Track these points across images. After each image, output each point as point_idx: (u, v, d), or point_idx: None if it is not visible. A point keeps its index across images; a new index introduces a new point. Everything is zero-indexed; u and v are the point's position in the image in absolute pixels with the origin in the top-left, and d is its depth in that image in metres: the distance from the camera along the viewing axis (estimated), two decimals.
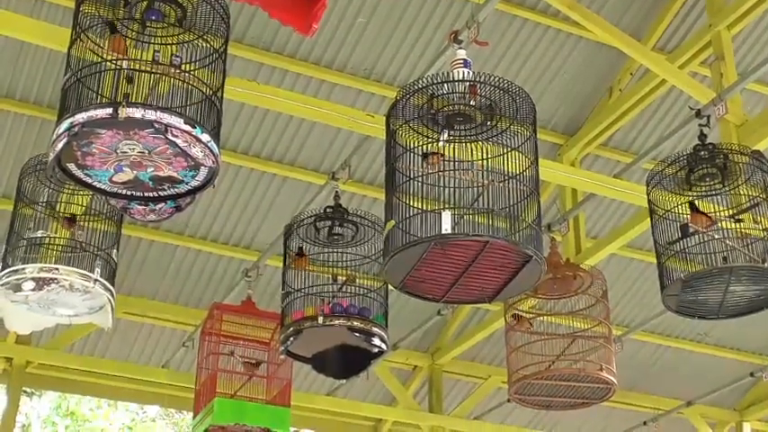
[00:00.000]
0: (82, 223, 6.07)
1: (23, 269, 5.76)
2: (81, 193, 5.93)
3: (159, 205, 5.18)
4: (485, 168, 4.61)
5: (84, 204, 6.09)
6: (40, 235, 6.04)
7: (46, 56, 7.90)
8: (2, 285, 5.79)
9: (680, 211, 5.63)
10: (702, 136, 5.73)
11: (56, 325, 6.51)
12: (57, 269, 5.76)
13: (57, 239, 6.07)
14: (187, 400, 8.28)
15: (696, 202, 5.61)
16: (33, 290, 5.77)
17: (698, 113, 6.07)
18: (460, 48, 5.06)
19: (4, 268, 5.83)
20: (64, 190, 6.00)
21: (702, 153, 5.60)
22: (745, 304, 5.66)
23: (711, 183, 5.64)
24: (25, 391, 16.03)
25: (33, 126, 8.41)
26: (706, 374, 11.18)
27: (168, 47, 4.57)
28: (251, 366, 7.29)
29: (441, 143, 4.62)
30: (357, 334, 6.12)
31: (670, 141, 7.21)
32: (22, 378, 9.87)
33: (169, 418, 19.00)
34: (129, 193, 4.68)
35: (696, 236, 5.53)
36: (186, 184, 4.57)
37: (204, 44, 4.60)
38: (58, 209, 6.08)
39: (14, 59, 8.03)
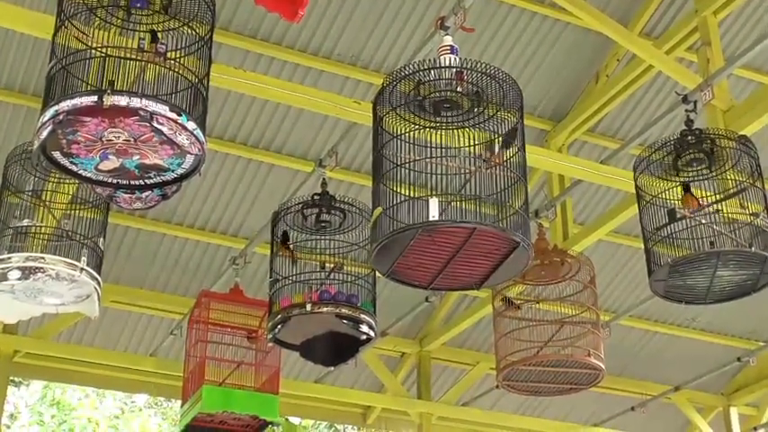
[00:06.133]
0: (69, 212, 6.04)
1: (9, 258, 5.71)
2: (67, 181, 5.88)
3: (145, 193, 5.18)
4: (472, 155, 4.58)
5: (71, 193, 6.05)
6: (26, 224, 5.99)
7: (31, 44, 7.86)
8: None
9: (667, 197, 5.62)
10: (689, 121, 5.70)
11: (43, 314, 6.46)
12: (43, 258, 5.71)
13: (43, 228, 6.02)
14: (176, 389, 8.26)
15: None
16: (19, 279, 5.71)
17: (684, 99, 6.02)
18: (447, 34, 5.05)
19: None
20: (50, 178, 5.95)
21: (689, 138, 5.58)
22: (733, 289, 5.66)
23: (698, 168, 5.61)
24: (13, 381, 15.99)
25: (19, 114, 8.38)
26: (693, 359, 11.22)
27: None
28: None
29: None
30: (345, 321, 6.11)
31: (657, 127, 7.23)
32: (8, 367, 9.84)
33: (158, 407, 18.98)
34: (115, 181, 4.65)
35: (683, 221, 5.51)
36: (172, 171, 4.55)
37: (190, 31, 4.57)
38: (44, 197, 6.04)
39: None
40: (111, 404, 18.69)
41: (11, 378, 11.41)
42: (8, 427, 17.04)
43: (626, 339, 11.10)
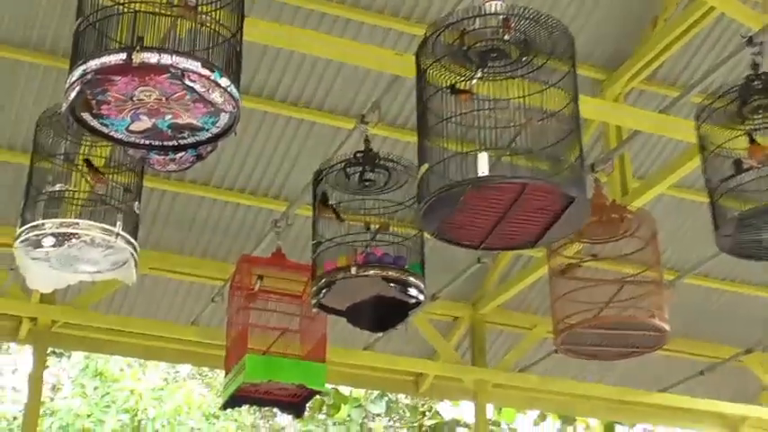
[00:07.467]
0: (107, 176, 5.92)
1: (43, 225, 5.64)
2: (100, 144, 5.74)
3: (179, 154, 5.06)
4: (522, 107, 4.48)
5: (105, 156, 5.94)
6: (58, 188, 5.89)
7: (60, 2, 7.72)
8: (21, 242, 5.68)
9: (732, 146, 5.39)
10: (755, 65, 5.47)
11: (79, 282, 6.42)
12: (77, 224, 5.65)
13: (77, 193, 5.94)
14: (219, 358, 8.13)
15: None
16: (53, 246, 5.65)
17: (750, 41, 5.76)
18: None
19: (23, 224, 5.70)
20: (83, 142, 5.85)
21: (755, 83, 5.35)
22: None
23: (766, 114, 5.38)
24: (54, 352, 16.06)
25: (49, 76, 8.25)
26: (766, 319, 10.97)
27: None
28: None
29: (474, 81, 4.50)
30: (392, 284, 5.96)
31: (720, 72, 6.94)
32: (47, 338, 9.82)
33: (203, 377, 19.01)
34: (147, 142, 4.56)
35: (751, 171, 5.28)
36: (207, 131, 4.44)
37: None
38: (76, 162, 5.93)
39: (27, 8, 7.89)
40: (155, 375, 18.73)
41: (52, 350, 11.37)
42: (51, 399, 17.22)
43: (692, 299, 10.79)
